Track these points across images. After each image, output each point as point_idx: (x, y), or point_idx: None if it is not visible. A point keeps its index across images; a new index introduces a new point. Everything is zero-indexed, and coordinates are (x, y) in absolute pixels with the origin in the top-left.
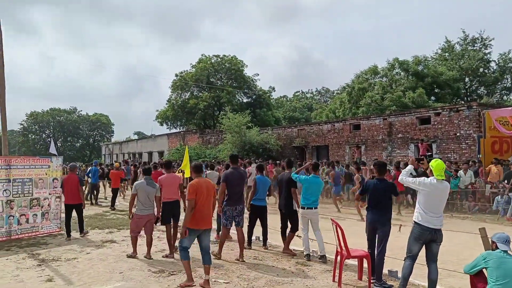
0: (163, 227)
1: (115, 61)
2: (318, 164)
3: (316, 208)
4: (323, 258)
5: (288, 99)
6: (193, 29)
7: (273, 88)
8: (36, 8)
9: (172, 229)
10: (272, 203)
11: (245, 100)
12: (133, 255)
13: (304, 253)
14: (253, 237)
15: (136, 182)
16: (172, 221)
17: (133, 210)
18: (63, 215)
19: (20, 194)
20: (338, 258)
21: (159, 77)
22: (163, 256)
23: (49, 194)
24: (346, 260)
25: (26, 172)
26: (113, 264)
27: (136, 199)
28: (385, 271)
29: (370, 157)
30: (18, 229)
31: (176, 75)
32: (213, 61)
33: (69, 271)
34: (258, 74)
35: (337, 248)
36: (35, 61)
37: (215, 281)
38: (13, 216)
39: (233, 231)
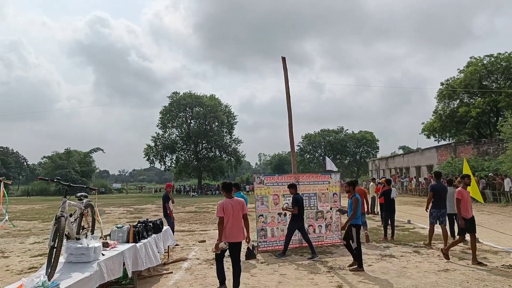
0: None
1: (378, 77)
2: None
3: None
4: None
5: None
6: (463, 28)
7: None
8: (306, 40)
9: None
10: None
11: None
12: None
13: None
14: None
15: None
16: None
17: None
18: None
19: (308, 207)
20: None
21: (425, 88)
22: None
23: (331, 208)
24: None
25: (311, 187)
26: (395, 278)
27: None
28: None
29: None
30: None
31: (442, 84)
32: (485, 62)
33: (356, 280)
34: None
35: None
36: (307, 88)
37: None
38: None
39: None
